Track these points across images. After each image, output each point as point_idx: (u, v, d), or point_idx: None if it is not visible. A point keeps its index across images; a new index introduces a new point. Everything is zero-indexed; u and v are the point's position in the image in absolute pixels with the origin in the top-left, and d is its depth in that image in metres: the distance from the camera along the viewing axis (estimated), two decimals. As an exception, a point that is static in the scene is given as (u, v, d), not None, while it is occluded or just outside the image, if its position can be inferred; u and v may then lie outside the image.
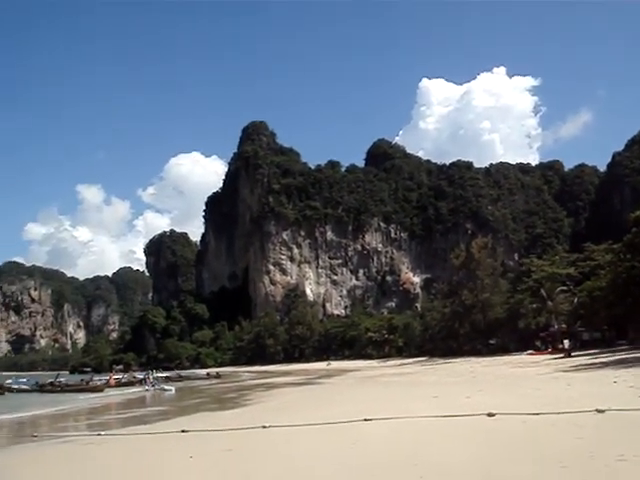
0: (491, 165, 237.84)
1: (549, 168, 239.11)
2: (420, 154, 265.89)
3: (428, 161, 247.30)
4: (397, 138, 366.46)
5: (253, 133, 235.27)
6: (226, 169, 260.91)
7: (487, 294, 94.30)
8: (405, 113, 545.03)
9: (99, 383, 76.89)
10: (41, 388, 73.71)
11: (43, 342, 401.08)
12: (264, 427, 17.45)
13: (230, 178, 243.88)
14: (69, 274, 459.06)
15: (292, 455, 13.78)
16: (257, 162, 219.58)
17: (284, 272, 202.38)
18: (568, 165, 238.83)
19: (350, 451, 13.56)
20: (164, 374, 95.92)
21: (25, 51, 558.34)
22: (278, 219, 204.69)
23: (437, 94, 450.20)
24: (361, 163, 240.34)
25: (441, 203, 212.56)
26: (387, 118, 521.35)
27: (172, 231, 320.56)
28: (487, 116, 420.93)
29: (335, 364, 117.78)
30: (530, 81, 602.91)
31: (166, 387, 65.52)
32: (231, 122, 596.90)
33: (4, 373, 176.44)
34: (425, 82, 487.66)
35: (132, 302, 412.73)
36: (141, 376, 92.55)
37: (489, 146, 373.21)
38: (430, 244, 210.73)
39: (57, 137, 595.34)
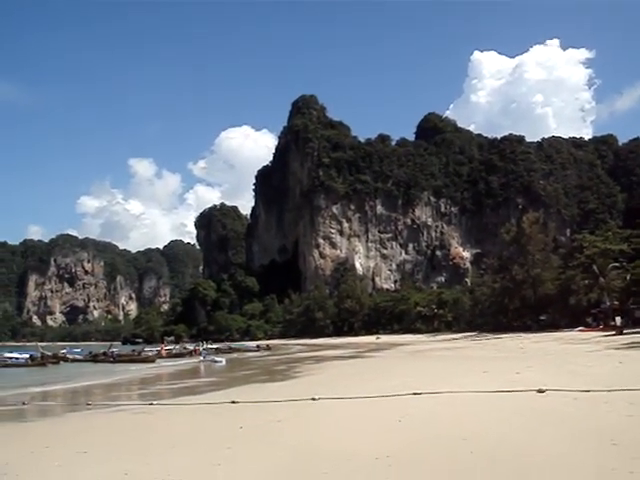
0: (543, 139, 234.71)
1: (602, 142, 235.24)
2: (471, 128, 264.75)
3: (479, 135, 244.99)
4: (448, 112, 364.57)
5: (303, 107, 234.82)
6: (276, 143, 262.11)
7: (538, 270, 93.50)
8: (456, 86, 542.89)
9: (150, 354, 78.18)
10: (94, 358, 75.03)
11: (96, 313, 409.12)
12: (313, 399, 17.79)
13: (280, 152, 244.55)
14: (121, 247, 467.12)
15: (341, 427, 13.80)
16: (307, 136, 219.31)
17: (334, 246, 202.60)
18: (624, 139, 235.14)
19: (398, 424, 13.54)
20: (214, 346, 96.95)
21: (79, 24, 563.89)
22: (328, 193, 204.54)
23: (489, 67, 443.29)
24: (411, 137, 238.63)
25: (492, 177, 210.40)
26: (438, 91, 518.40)
27: (222, 204, 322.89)
28: (540, 89, 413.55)
29: (384, 338, 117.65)
30: (584, 53, 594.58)
31: (217, 359, 65.70)
32: (281, 96, 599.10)
33: (59, 343, 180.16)
34: (477, 55, 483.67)
35: (183, 275, 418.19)
36: (192, 347, 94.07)
37: (542, 120, 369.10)
38: (480, 219, 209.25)
39: (110, 111, 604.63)
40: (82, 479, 9.70)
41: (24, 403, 25.52)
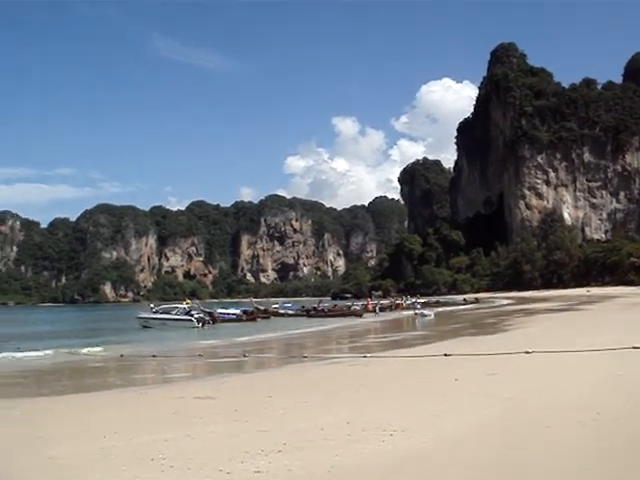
0: None
1: None
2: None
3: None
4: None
5: (502, 55, 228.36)
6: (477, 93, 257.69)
7: None
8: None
9: (358, 308, 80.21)
10: (306, 313, 78.32)
11: (306, 270, 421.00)
12: (527, 352, 18.34)
13: (481, 103, 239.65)
14: (329, 204, 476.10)
15: (558, 381, 13.71)
16: (508, 85, 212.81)
17: (540, 196, 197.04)
18: None
19: (617, 379, 13.28)
20: (422, 299, 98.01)
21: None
22: (532, 142, 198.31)
23: None
24: (618, 79, 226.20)
25: None
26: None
27: (425, 159, 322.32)
28: None
29: (595, 290, 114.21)
30: None
31: (425, 312, 66.61)
32: (480, 45, 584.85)
33: (271, 299, 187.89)
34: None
35: (388, 230, 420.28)
36: (398, 301, 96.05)
37: None
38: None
39: (313, 73, 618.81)
40: (305, 426, 10.20)
41: (245, 355, 27.06)
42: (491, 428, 9.57)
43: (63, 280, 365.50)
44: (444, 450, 8.38)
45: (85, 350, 32.93)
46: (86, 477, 7.71)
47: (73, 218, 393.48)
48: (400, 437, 9.10)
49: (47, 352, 31.77)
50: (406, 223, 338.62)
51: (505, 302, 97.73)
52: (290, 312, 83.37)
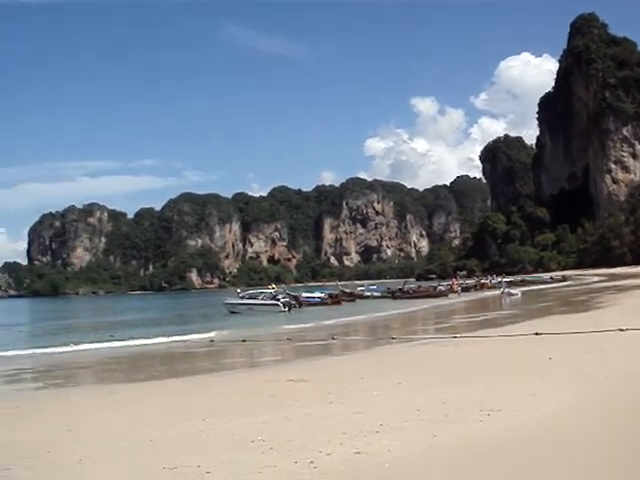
0: None
1: None
2: None
3: None
4: None
5: (582, 27, 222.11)
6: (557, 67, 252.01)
7: None
8: None
9: (443, 289, 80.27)
10: (392, 295, 78.24)
11: (389, 252, 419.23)
12: (621, 330, 18.11)
13: (562, 76, 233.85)
14: (410, 185, 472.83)
15: None
16: (590, 56, 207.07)
17: (627, 170, 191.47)
18: None
19: None
20: (507, 278, 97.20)
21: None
22: (617, 114, 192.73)
23: None
24: None
25: None
26: None
27: (506, 136, 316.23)
28: None
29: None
30: None
31: (512, 291, 66.32)
32: (559, 17, 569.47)
33: (356, 282, 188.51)
34: None
35: (471, 209, 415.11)
36: (484, 280, 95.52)
37: None
38: None
39: (390, 55, 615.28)
40: (400, 407, 10.28)
41: (333, 338, 27.80)
42: (589, 407, 9.75)
43: (150, 268, 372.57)
44: (543, 430, 8.43)
45: (191, 337, 33.54)
46: (189, 459, 7.98)
47: (158, 208, 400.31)
48: (498, 417, 9.16)
49: (142, 340, 32.58)
50: (489, 202, 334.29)
51: (595, 279, 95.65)
52: (375, 294, 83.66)
